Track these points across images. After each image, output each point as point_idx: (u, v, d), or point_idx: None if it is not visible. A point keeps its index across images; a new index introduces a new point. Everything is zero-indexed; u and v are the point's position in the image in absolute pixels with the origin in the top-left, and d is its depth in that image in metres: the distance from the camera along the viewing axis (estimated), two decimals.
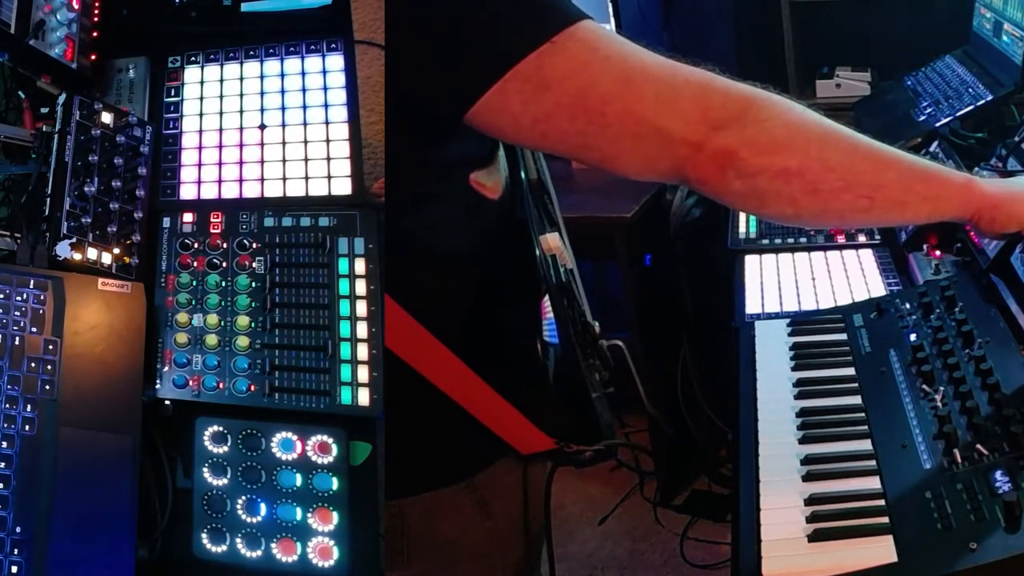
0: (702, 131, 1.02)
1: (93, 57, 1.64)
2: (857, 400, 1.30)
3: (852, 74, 2.76)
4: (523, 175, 1.24)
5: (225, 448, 1.41)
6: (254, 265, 1.50)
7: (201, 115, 1.64)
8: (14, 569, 1.24)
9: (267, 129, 1.60)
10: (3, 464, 1.28)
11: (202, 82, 1.66)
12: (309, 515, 1.37)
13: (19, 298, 1.38)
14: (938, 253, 1.65)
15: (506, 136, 1.07)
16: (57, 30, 1.56)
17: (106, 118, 1.55)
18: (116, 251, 1.49)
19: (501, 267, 1.22)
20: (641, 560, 2.74)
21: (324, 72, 1.61)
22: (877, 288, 1.70)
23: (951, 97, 2.18)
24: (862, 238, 1.90)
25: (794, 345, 1.45)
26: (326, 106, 1.59)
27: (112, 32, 1.67)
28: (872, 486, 1.13)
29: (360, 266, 1.46)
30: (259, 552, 1.36)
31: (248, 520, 1.37)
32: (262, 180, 1.57)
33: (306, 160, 1.57)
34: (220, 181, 1.58)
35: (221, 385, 1.43)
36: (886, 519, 1.07)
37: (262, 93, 1.63)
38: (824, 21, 2.84)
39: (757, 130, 1.03)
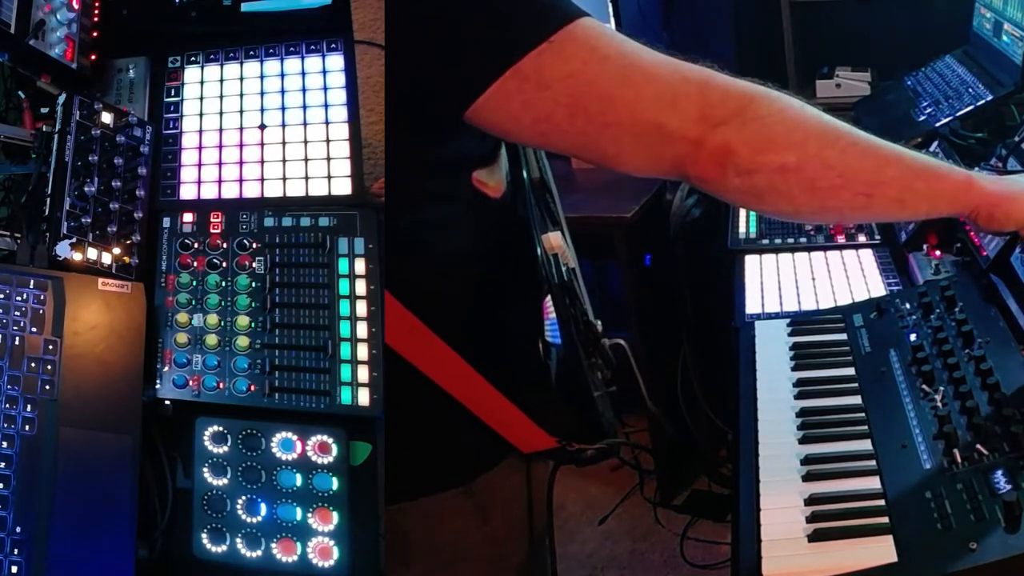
0: (701, 128, 1.02)
1: (93, 57, 1.64)
2: (857, 400, 1.30)
3: (852, 74, 2.75)
4: (525, 174, 1.24)
5: (225, 448, 1.41)
6: (254, 265, 1.50)
7: (201, 115, 1.64)
8: (14, 569, 1.24)
9: (267, 129, 1.60)
10: (3, 464, 1.28)
11: (202, 82, 1.66)
12: (309, 515, 1.37)
13: (19, 298, 1.38)
14: (938, 253, 1.65)
15: (507, 134, 1.07)
16: (57, 30, 1.56)
17: (106, 118, 1.55)
18: (116, 251, 1.49)
19: (502, 266, 1.22)
20: (641, 560, 2.74)
21: (324, 72, 1.61)
22: (877, 288, 1.70)
23: (951, 97, 2.18)
24: (862, 238, 1.90)
25: (794, 345, 1.45)
26: (326, 106, 1.59)
27: (112, 32, 1.68)
28: (872, 486, 1.13)
29: (360, 266, 1.46)
30: (259, 552, 1.36)
31: (248, 520, 1.37)
32: (262, 180, 1.57)
33: (306, 160, 1.57)
34: (220, 181, 1.59)
35: (221, 385, 1.43)
36: (886, 519, 1.07)
37: (262, 93, 1.63)
38: (824, 21, 2.84)
39: (756, 127, 1.03)
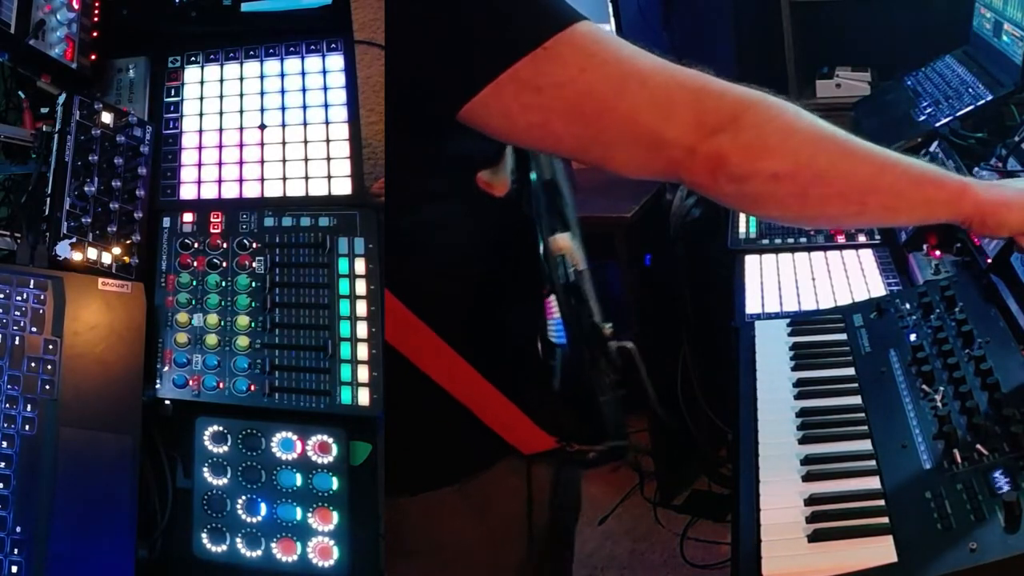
0: (695, 135, 1.02)
1: (93, 57, 1.64)
2: (857, 400, 1.30)
3: (852, 74, 2.75)
4: (534, 175, 1.24)
5: (225, 448, 1.41)
6: (254, 265, 1.50)
7: (201, 115, 1.64)
8: (14, 569, 1.24)
9: (267, 129, 1.60)
10: (3, 464, 1.28)
11: (202, 82, 1.66)
12: (309, 515, 1.37)
13: (19, 298, 1.38)
14: (938, 253, 1.65)
15: (502, 136, 1.07)
16: (57, 30, 1.56)
17: (106, 118, 1.55)
18: (116, 251, 1.49)
19: (503, 265, 1.22)
20: (641, 560, 2.74)
21: (324, 72, 1.61)
22: (877, 288, 1.70)
23: (951, 97, 2.18)
24: (862, 238, 1.89)
25: (794, 345, 1.45)
26: (326, 106, 1.59)
27: (112, 32, 1.68)
28: (872, 486, 1.13)
29: (360, 266, 1.46)
30: (259, 552, 1.36)
31: (248, 520, 1.37)
32: (262, 180, 1.57)
33: (306, 160, 1.57)
34: (220, 181, 1.59)
35: (221, 385, 1.43)
36: (886, 519, 1.07)
37: (262, 93, 1.63)
38: (824, 21, 2.84)
39: (749, 135, 1.03)
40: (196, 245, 1.52)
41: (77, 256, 1.45)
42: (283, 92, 1.62)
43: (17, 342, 1.36)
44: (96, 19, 1.66)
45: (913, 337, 1.34)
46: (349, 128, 1.57)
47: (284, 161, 1.57)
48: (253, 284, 1.48)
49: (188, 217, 1.55)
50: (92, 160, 1.51)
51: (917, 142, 2.03)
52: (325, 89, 1.60)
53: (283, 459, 1.40)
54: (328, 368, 1.42)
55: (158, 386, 1.44)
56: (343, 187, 1.54)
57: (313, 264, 1.48)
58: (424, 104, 1.05)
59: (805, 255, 1.88)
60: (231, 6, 1.67)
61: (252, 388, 1.42)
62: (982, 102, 2.08)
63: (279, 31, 1.65)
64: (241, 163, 1.59)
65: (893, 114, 2.30)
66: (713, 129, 1.02)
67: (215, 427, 1.41)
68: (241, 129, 1.61)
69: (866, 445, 1.20)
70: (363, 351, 1.42)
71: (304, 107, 1.60)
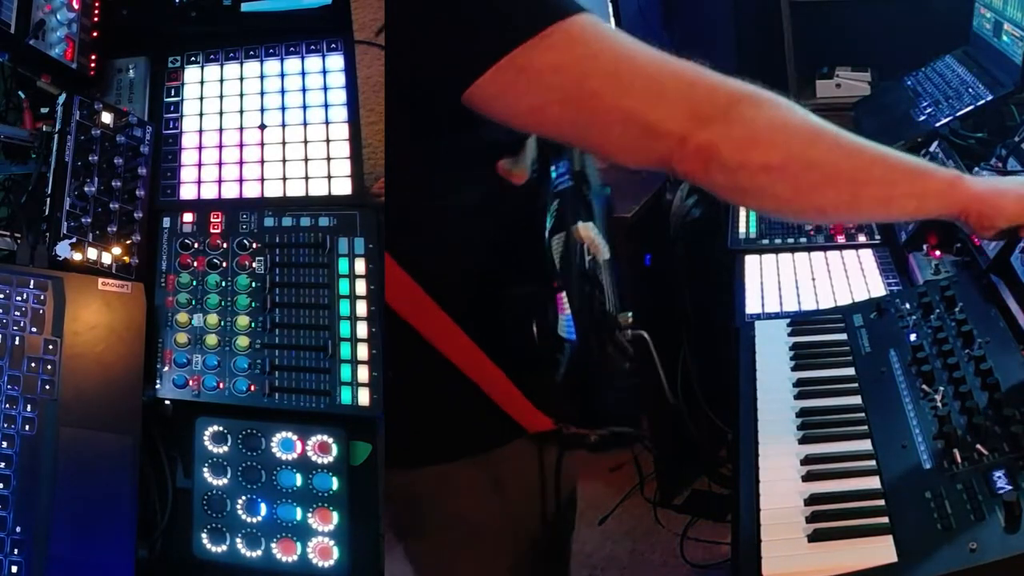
0: (687, 125, 1.04)
1: (93, 57, 1.64)
2: (857, 400, 1.29)
3: (852, 74, 2.75)
4: (554, 166, 1.27)
5: (225, 448, 1.41)
6: (254, 265, 1.50)
7: (201, 115, 1.64)
8: (14, 569, 1.24)
9: (267, 129, 1.60)
10: (3, 464, 1.28)
11: (202, 82, 1.66)
12: (309, 515, 1.37)
13: (19, 298, 1.38)
14: (938, 253, 1.65)
15: (503, 119, 1.09)
16: (57, 30, 1.56)
17: (106, 118, 1.55)
18: (116, 251, 1.49)
19: (515, 251, 1.24)
20: (641, 560, 2.74)
21: (324, 72, 1.61)
22: (877, 288, 1.70)
23: (951, 97, 2.18)
24: (862, 238, 1.90)
25: (794, 345, 1.45)
26: (326, 106, 1.59)
27: (112, 32, 1.68)
28: (872, 486, 1.13)
29: (360, 266, 1.46)
30: (259, 552, 1.36)
31: (248, 520, 1.37)
32: (262, 180, 1.57)
33: (306, 160, 1.57)
34: (220, 181, 1.59)
35: (221, 385, 1.43)
36: (886, 519, 1.07)
37: (262, 93, 1.63)
38: (824, 21, 2.83)
39: (740, 126, 1.05)
40: (196, 245, 1.52)
41: (77, 256, 1.45)
42: (283, 92, 1.62)
43: (17, 342, 1.36)
44: (96, 19, 1.66)
45: (913, 337, 1.34)
46: (349, 128, 1.57)
47: (284, 161, 1.57)
48: (253, 284, 1.48)
49: (188, 217, 1.55)
50: (92, 160, 1.51)
51: (917, 142, 2.03)
52: (325, 89, 1.60)
53: (283, 459, 1.39)
54: (328, 368, 1.42)
55: (158, 386, 1.44)
56: (343, 187, 1.54)
57: (313, 264, 1.48)
58: (430, 89, 1.08)
59: (805, 255, 1.88)
60: (231, 6, 1.67)
61: (252, 388, 1.42)
62: (982, 102, 2.08)
63: (279, 31, 1.65)
64: (241, 163, 1.59)
65: (893, 114, 2.30)
66: (705, 120, 1.04)
67: (215, 427, 1.41)
68: (241, 129, 1.61)
69: (866, 445, 1.20)
70: (363, 351, 1.42)
71: (304, 107, 1.60)
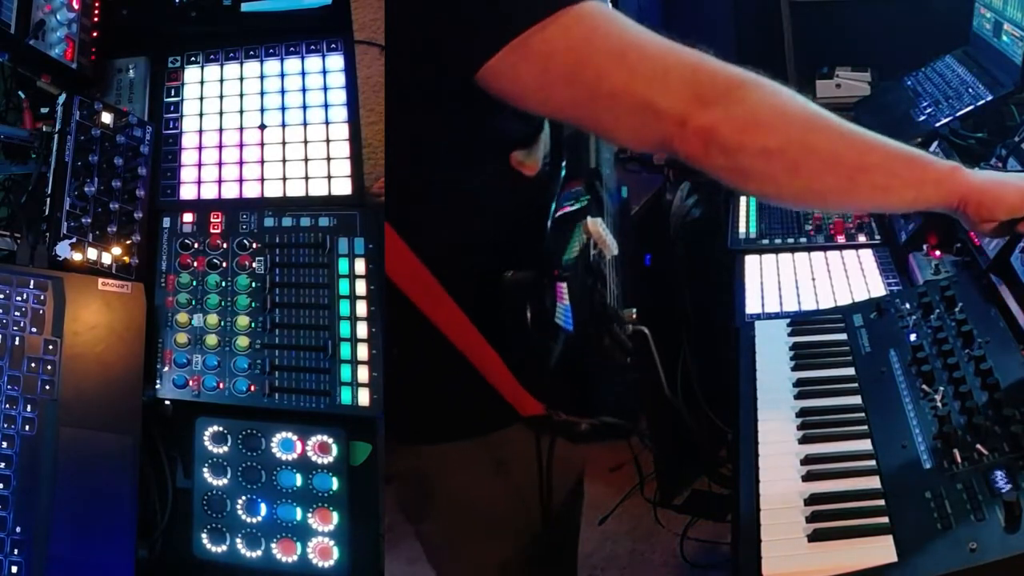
0: (688, 107, 1.07)
1: (93, 57, 1.64)
2: (857, 400, 1.29)
3: (852, 74, 2.75)
4: (576, 162, 1.30)
5: (225, 448, 1.41)
6: (254, 265, 1.50)
7: (201, 115, 1.64)
8: (14, 569, 1.24)
9: (267, 129, 1.60)
10: (3, 464, 1.28)
11: (202, 82, 1.66)
12: (309, 515, 1.37)
13: (19, 298, 1.38)
14: (938, 253, 1.65)
15: (513, 100, 1.12)
16: (57, 30, 1.56)
17: (106, 118, 1.55)
18: (116, 251, 1.49)
19: (520, 239, 1.26)
20: (641, 560, 2.74)
21: (324, 72, 1.61)
22: (877, 288, 1.70)
23: (951, 97, 2.18)
24: (862, 238, 1.90)
25: (794, 345, 1.45)
26: (326, 106, 1.59)
27: (112, 32, 1.68)
28: (872, 486, 1.13)
29: (360, 266, 1.46)
30: (259, 552, 1.36)
31: (248, 520, 1.37)
32: (262, 180, 1.57)
33: (306, 160, 1.57)
34: (220, 181, 1.59)
35: (221, 385, 1.43)
36: (886, 519, 1.07)
37: (262, 93, 1.63)
38: (824, 21, 2.83)
39: (741, 109, 1.07)
40: (196, 245, 1.52)
41: (77, 256, 1.45)
42: (283, 92, 1.62)
43: (17, 342, 1.36)
44: (96, 19, 1.66)
45: (913, 337, 1.34)
46: (349, 128, 1.57)
47: (284, 161, 1.57)
48: (253, 284, 1.48)
49: (188, 217, 1.55)
50: (92, 160, 1.51)
51: (917, 142, 2.02)
52: (325, 89, 1.60)
53: (283, 459, 1.39)
54: (328, 368, 1.42)
55: (158, 386, 1.44)
56: (343, 187, 1.54)
57: (313, 264, 1.48)
58: (444, 70, 1.11)
59: (805, 255, 1.88)
60: (231, 6, 1.67)
61: (252, 388, 1.42)
62: (982, 102, 2.08)
63: (279, 31, 1.65)
64: (241, 163, 1.59)
65: (893, 114, 2.30)
66: (707, 102, 1.07)
67: (215, 427, 1.41)
68: (241, 129, 1.61)
69: (866, 445, 1.20)
70: (363, 351, 1.42)
71: (304, 107, 1.60)
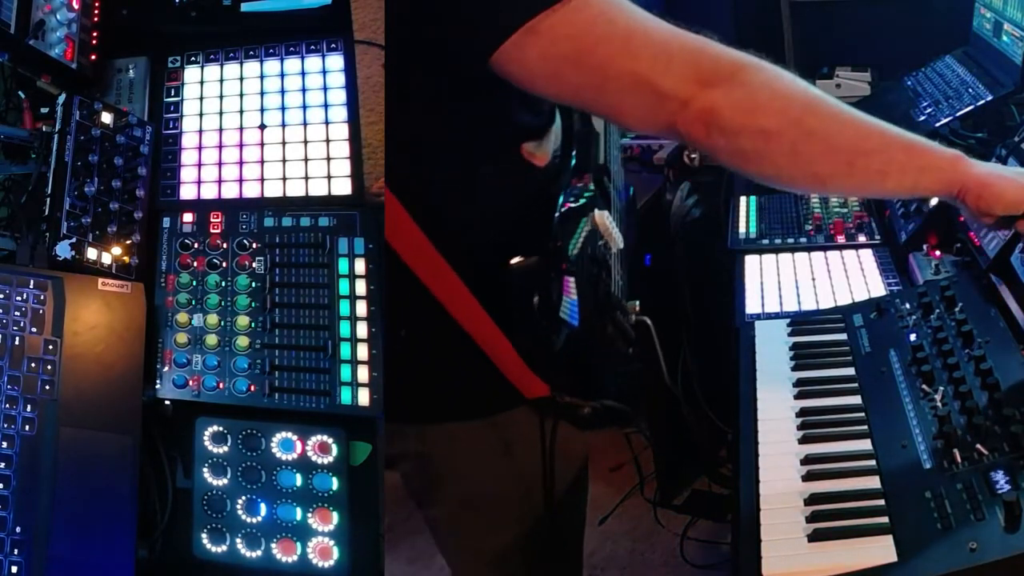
0: (691, 89, 1.10)
1: (93, 57, 1.64)
2: (857, 400, 1.30)
3: (852, 74, 2.75)
4: (585, 156, 1.34)
5: (225, 448, 1.41)
6: (254, 265, 1.50)
7: (201, 115, 1.64)
8: (14, 569, 1.24)
9: (267, 129, 1.60)
10: (3, 464, 1.28)
11: (202, 82, 1.66)
12: (309, 515, 1.37)
13: (19, 298, 1.38)
14: (938, 253, 1.65)
15: (522, 84, 1.14)
16: (57, 30, 1.56)
17: (106, 118, 1.55)
18: (116, 251, 1.49)
19: (530, 225, 1.28)
20: (641, 560, 2.74)
21: (324, 72, 1.61)
22: (877, 288, 1.70)
23: (951, 97, 2.18)
24: (862, 238, 1.90)
25: (794, 345, 1.45)
26: (326, 106, 1.59)
27: (112, 32, 1.68)
28: (872, 486, 1.13)
29: (360, 266, 1.46)
30: (259, 552, 1.36)
31: (248, 520, 1.37)
32: (262, 180, 1.57)
33: (306, 160, 1.57)
34: (220, 181, 1.59)
35: (221, 385, 1.43)
36: (886, 519, 1.07)
37: (262, 93, 1.63)
38: (824, 21, 2.83)
39: (741, 92, 1.10)
40: (196, 245, 1.52)
41: (77, 256, 1.45)
42: (283, 92, 1.62)
43: (17, 342, 1.36)
44: (96, 19, 1.66)
45: (913, 337, 1.34)
46: (349, 128, 1.57)
47: (284, 161, 1.57)
48: (253, 284, 1.48)
49: (188, 217, 1.55)
50: (92, 160, 1.51)
51: None
52: (325, 89, 1.60)
53: (283, 459, 1.39)
54: (328, 368, 1.42)
55: (158, 386, 1.44)
56: (343, 187, 1.54)
57: (313, 264, 1.48)
58: (456, 55, 1.13)
59: (805, 255, 1.88)
60: (231, 6, 1.67)
61: (252, 388, 1.42)
62: (982, 102, 2.08)
63: (279, 31, 1.65)
64: (241, 163, 1.59)
65: (893, 114, 2.29)
66: (708, 84, 1.09)
67: (215, 427, 1.41)
68: (241, 129, 1.61)
69: (866, 445, 1.20)
70: (363, 351, 1.42)
71: (304, 107, 1.60)
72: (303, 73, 1.62)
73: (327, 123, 1.58)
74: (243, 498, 1.38)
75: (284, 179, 1.56)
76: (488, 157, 1.25)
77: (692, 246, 2.65)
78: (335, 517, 1.37)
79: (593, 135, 1.38)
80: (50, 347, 1.37)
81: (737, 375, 1.43)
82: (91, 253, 1.46)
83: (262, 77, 1.64)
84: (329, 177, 1.55)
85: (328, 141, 1.57)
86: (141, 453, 1.37)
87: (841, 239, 1.90)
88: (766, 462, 1.22)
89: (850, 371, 1.36)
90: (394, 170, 1.24)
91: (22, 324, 1.37)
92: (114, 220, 1.51)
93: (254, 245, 1.51)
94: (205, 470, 1.40)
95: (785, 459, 1.21)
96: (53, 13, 1.56)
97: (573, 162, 1.33)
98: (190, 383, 1.44)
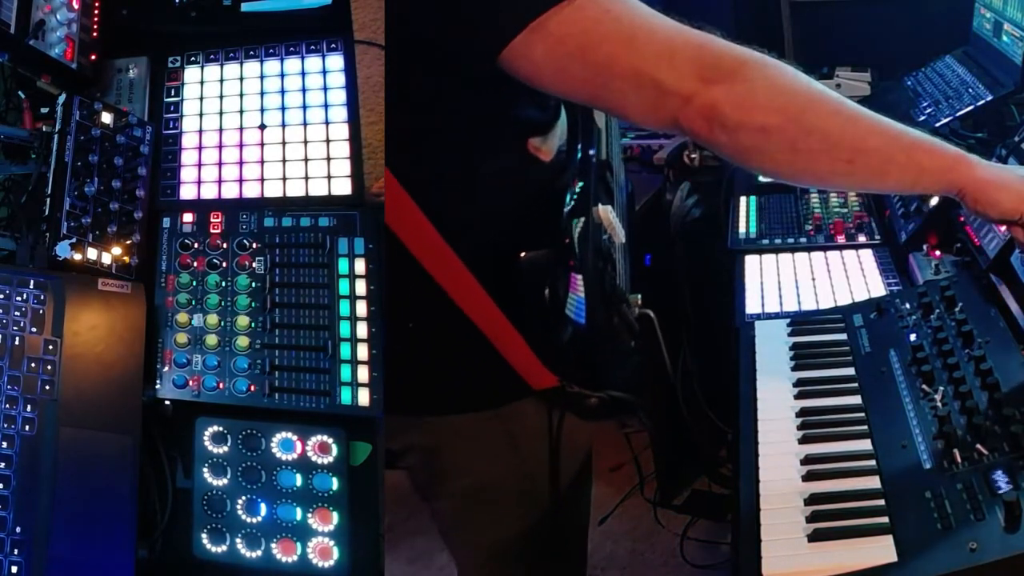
0: (693, 85, 1.11)
1: (93, 57, 1.64)
2: (857, 400, 1.30)
3: (852, 74, 2.75)
4: (590, 151, 1.35)
5: (225, 448, 1.41)
6: (254, 265, 1.50)
7: (201, 115, 1.64)
8: (14, 569, 1.24)
9: (267, 129, 1.60)
10: (3, 464, 1.28)
11: (202, 82, 1.66)
12: (309, 515, 1.37)
13: (19, 298, 1.38)
14: (938, 253, 1.65)
15: (530, 80, 1.15)
16: (57, 30, 1.56)
17: (106, 118, 1.55)
18: (116, 251, 1.49)
19: (535, 220, 1.29)
20: (641, 560, 2.74)
21: (324, 72, 1.61)
22: (877, 288, 1.70)
23: (951, 97, 2.18)
24: (862, 238, 1.90)
25: (794, 345, 1.45)
26: (326, 106, 1.59)
27: (112, 32, 1.68)
28: (872, 486, 1.13)
29: (360, 266, 1.46)
30: (259, 552, 1.36)
31: (248, 520, 1.37)
32: (262, 180, 1.57)
33: (306, 160, 1.57)
34: (220, 181, 1.58)
35: (221, 385, 1.43)
36: (886, 519, 1.07)
37: (262, 93, 1.63)
38: (824, 21, 2.83)
39: (743, 88, 1.11)
40: (196, 245, 1.52)
41: (77, 256, 1.45)
42: (283, 92, 1.62)
43: (17, 342, 1.36)
44: (96, 19, 1.66)
45: (913, 337, 1.34)
46: (349, 128, 1.57)
47: (284, 161, 1.57)
48: (253, 284, 1.48)
49: (188, 217, 1.55)
50: (92, 160, 1.51)
51: None
52: (325, 89, 1.60)
53: (283, 459, 1.39)
54: (328, 368, 1.42)
55: (158, 386, 1.44)
56: (343, 187, 1.54)
57: (313, 264, 1.48)
58: (460, 54, 1.15)
59: (805, 255, 1.88)
60: (231, 6, 1.67)
61: (252, 388, 1.42)
62: (982, 102, 2.08)
63: (279, 31, 1.65)
64: (241, 163, 1.59)
65: (893, 114, 2.28)
66: (710, 80, 1.10)
67: (215, 427, 1.41)
68: (241, 129, 1.61)
69: (866, 445, 1.20)
70: (363, 351, 1.42)
71: (304, 107, 1.60)
72: (303, 73, 1.62)
73: (327, 123, 1.58)
74: (243, 498, 1.38)
75: (284, 179, 1.56)
76: (488, 156, 1.26)
77: (692, 246, 2.64)
78: (335, 517, 1.37)
79: (597, 131, 1.39)
80: (50, 347, 1.37)
81: (737, 375, 1.43)
82: (91, 253, 1.46)
83: (262, 77, 1.64)
84: (329, 177, 1.55)
85: (328, 141, 1.57)
86: (141, 453, 1.37)
87: (841, 239, 1.90)
88: (766, 462, 1.22)
89: (850, 371, 1.36)
90: (395, 169, 1.24)
91: (22, 324, 1.37)
92: (114, 220, 1.51)
93: (254, 245, 1.51)
94: (205, 470, 1.40)
95: (785, 459, 1.21)
96: (53, 13, 1.56)
97: (579, 155, 1.35)
98: (190, 383, 1.44)
